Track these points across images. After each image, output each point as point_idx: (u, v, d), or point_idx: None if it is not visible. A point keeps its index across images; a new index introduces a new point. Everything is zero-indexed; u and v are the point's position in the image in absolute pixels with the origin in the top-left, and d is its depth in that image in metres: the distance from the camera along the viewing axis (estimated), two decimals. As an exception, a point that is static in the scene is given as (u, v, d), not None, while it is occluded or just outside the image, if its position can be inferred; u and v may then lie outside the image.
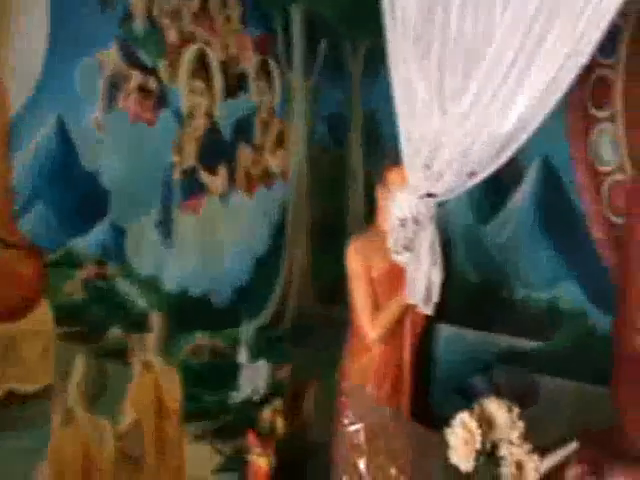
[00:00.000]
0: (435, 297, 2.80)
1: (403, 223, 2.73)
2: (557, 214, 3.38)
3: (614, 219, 3.23)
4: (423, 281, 2.77)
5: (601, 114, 3.33)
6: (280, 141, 3.71)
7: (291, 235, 3.80)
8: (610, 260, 3.24)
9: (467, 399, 3.43)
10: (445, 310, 2.86)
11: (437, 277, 2.79)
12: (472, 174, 2.63)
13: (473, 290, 3.66)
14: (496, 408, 2.18)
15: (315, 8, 3.80)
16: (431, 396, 3.63)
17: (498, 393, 3.34)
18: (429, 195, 2.71)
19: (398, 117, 2.75)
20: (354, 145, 4.05)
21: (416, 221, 2.73)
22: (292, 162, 3.78)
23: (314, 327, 3.82)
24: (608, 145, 3.27)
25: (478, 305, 3.63)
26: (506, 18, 2.44)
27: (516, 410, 2.20)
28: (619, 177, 3.24)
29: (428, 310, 2.83)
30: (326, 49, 3.92)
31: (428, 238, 2.76)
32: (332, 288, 3.66)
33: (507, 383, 3.43)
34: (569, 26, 2.36)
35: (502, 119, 2.51)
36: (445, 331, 3.65)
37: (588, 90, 3.33)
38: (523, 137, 2.52)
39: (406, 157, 2.75)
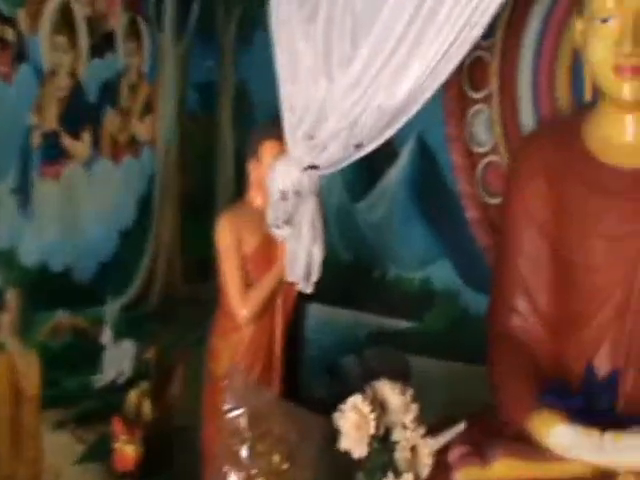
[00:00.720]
0: (315, 275, 2.71)
1: (284, 196, 2.61)
2: (432, 194, 3.35)
3: (488, 200, 3.25)
4: (304, 258, 2.66)
5: (477, 95, 3.32)
6: (149, 107, 3.51)
7: (159, 208, 3.61)
8: (484, 241, 3.26)
9: (338, 380, 3.41)
10: (317, 289, 2.78)
11: (318, 254, 2.69)
12: (359, 146, 2.54)
13: (345, 269, 3.59)
14: (389, 391, 2.11)
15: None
16: (300, 377, 3.56)
17: (369, 373, 3.33)
18: (312, 167, 2.61)
19: (280, 85, 2.60)
20: (225, 115, 3.89)
21: (298, 194, 2.62)
22: (161, 130, 3.58)
23: (182, 306, 3.65)
24: (483, 126, 3.27)
25: (350, 284, 3.56)
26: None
27: (410, 392, 2.14)
28: (494, 158, 3.25)
29: (308, 288, 2.73)
30: (198, 12, 3.73)
31: (309, 213, 2.64)
32: (201, 265, 3.50)
33: (379, 364, 3.39)
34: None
35: (392, 90, 2.40)
36: (316, 311, 3.55)
37: (465, 71, 3.32)
38: (413, 109, 2.45)
39: (288, 127, 2.59)
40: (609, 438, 2.24)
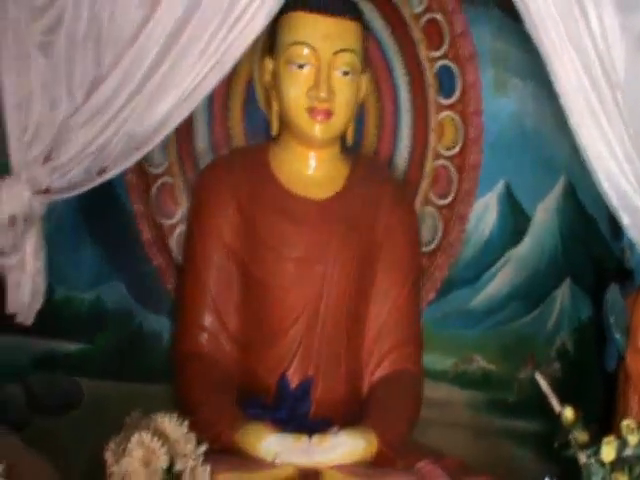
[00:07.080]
0: (38, 304, 2.51)
1: (12, 221, 2.38)
2: (103, 213, 3.25)
3: (162, 220, 3.28)
4: (29, 288, 2.46)
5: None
6: None
7: None
8: (157, 260, 3.28)
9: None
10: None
11: (42, 283, 2.50)
12: (102, 171, 2.46)
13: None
14: (168, 423, 2.10)
15: None
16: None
17: (36, 401, 3.18)
18: (45, 191, 2.42)
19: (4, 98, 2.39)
20: None
21: (27, 219, 2.41)
22: None
23: None
24: (158, 147, 3.24)
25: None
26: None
27: (186, 422, 2.15)
28: (168, 180, 3.30)
29: (29, 320, 2.52)
30: None
31: (34, 238, 2.47)
32: None
33: (45, 389, 3.18)
34: (217, 38, 2.40)
35: (142, 118, 2.41)
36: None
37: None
38: (161, 137, 2.48)
39: (17, 145, 2.40)
40: (316, 441, 2.53)
